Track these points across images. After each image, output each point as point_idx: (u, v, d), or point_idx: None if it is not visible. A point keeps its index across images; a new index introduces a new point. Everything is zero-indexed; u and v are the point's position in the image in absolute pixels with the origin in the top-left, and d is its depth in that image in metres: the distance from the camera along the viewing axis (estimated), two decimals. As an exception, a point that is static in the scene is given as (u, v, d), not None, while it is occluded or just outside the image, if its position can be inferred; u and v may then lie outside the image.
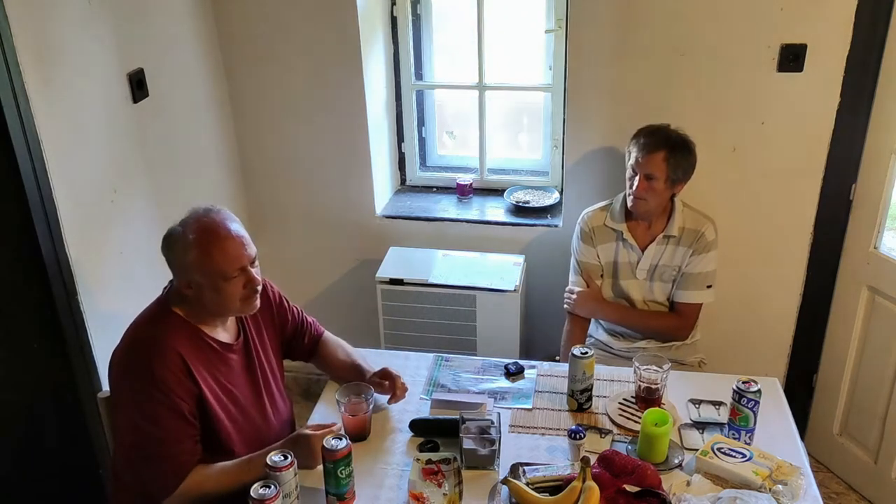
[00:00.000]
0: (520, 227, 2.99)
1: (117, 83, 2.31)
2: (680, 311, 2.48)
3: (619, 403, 2.05)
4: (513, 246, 2.98)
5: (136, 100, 2.38)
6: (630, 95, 2.68)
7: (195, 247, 1.69)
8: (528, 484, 1.72)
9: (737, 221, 2.74)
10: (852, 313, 2.69)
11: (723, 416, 1.97)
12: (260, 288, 1.80)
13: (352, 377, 2.03)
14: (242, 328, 1.90)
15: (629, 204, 2.41)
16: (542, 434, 1.97)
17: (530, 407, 2.07)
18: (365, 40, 2.82)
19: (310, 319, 2.13)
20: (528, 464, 1.81)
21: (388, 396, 2.02)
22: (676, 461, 1.83)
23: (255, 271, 1.77)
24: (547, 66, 3.00)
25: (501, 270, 2.79)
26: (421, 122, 3.24)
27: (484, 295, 2.71)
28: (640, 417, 1.90)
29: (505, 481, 1.73)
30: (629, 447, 1.88)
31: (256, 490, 1.57)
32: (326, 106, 2.93)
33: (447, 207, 3.11)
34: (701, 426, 1.97)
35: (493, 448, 1.82)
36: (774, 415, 1.99)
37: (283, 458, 1.64)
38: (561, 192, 3.02)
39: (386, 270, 2.82)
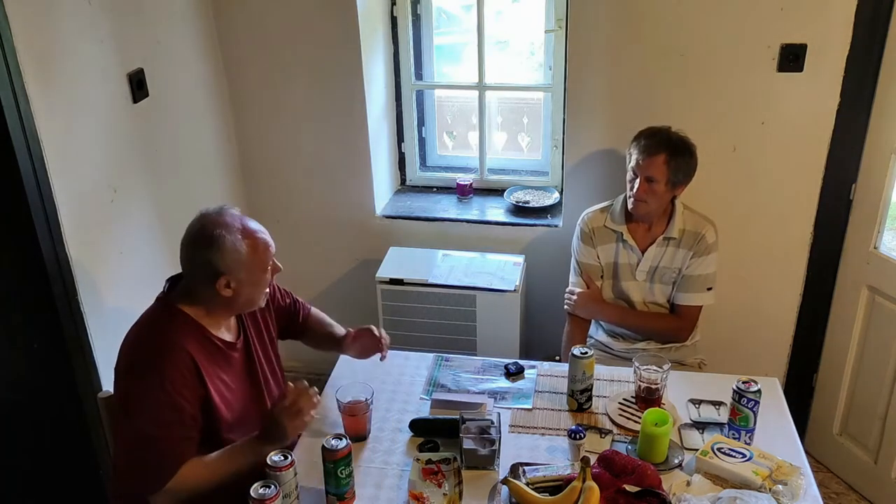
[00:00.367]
0: (520, 227, 2.99)
1: (117, 83, 2.31)
2: (680, 312, 2.48)
3: (619, 403, 2.05)
4: (513, 246, 2.98)
5: (136, 100, 2.38)
6: (630, 95, 2.68)
7: (247, 247, 1.76)
8: (528, 484, 1.72)
9: (737, 221, 2.74)
10: (852, 313, 2.69)
11: (723, 416, 1.97)
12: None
13: (331, 347, 2.13)
14: (242, 327, 1.91)
15: (630, 206, 2.40)
16: (542, 434, 1.97)
17: (530, 407, 2.07)
18: (365, 40, 2.82)
19: (299, 299, 2.18)
20: (528, 464, 1.81)
21: (379, 356, 2.07)
22: (676, 461, 1.83)
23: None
24: (547, 66, 3.00)
25: (501, 270, 2.79)
26: (421, 122, 3.24)
27: (484, 295, 2.71)
28: (640, 417, 1.90)
29: (505, 481, 1.73)
30: (629, 447, 1.88)
31: (256, 490, 1.57)
32: (326, 106, 2.93)
33: (447, 207, 3.11)
34: (701, 426, 1.97)
35: (493, 448, 1.82)
36: (774, 415, 1.99)
37: (283, 458, 1.64)
38: (561, 193, 3.02)
39: (386, 270, 2.82)
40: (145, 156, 2.46)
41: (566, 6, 2.68)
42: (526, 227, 2.98)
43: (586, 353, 2.00)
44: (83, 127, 2.17)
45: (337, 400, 1.93)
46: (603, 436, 1.94)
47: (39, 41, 2.00)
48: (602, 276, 2.53)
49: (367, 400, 1.93)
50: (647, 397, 2.00)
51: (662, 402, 2.02)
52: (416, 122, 3.21)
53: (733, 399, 1.87)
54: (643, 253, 2.45)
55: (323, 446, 1.68)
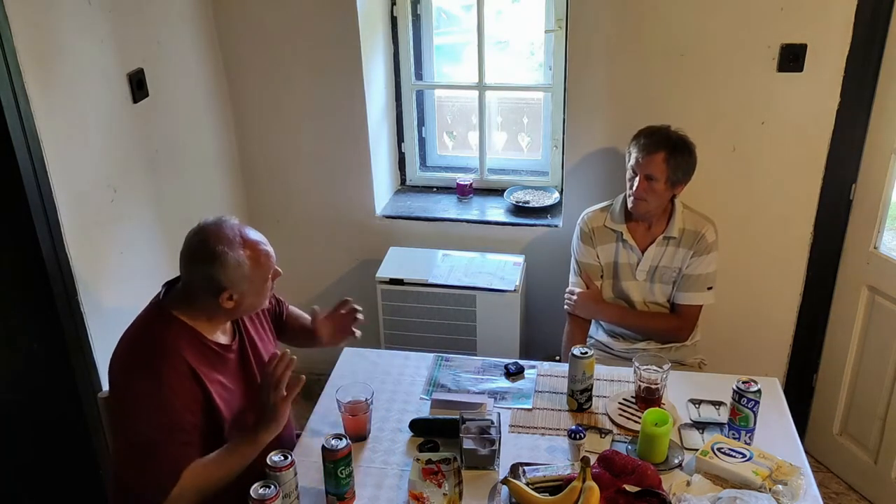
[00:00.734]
0: (520, 227, 2.99)
1: (117, 83, 2.31)
2: (680, 312, 2.48)
3: (619, 403, 2.05)
4: (513, 246, 2.98)
5: (136, 100, 2.38)
6: (630, 95, 2.68)
7: (250, 261, 1.75)
8: (528, 484, 1.72)
9: (737, 221, 2.74)
10: (852, 313, 2.69)
11: (723, 416, 1.97)
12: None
13: (304, 340, 2.13)
14: (237, 329, 1.91)
15: (629, 205, 2.41)
16: (542, 434, 1.97)
17: (530, 407, 2.07)
18: (365, 40, 2.82)
19: (280, 299, 2.18)
20: (528, 464, 1.81)
21: (355, 332, 2.09)
22: (676, 461, 1.83)
23: None
24: (547, 66, 3.00)
25: (501, 270, 2.79)
26: (421, 122, 3.24)
27: (484, 295, 2.71)
28: (640, 417, 1.90)
29: (505, 481, 1.73)
30: (629, 447, 1.88)
31: (256, 490, 1.57)
32: (326, 106, 2.93)
33: (447, 207, 3.11)
34: (701, 426, 1.97)
35: (493, 448, 1.82)
36: (774, 415, 1.99)
37: (283, 458, 1.64)
38: (561, 192, 3.02)
39: (386, 270, 2.82)
40: (145, 156, 2.46)
41: (566, 6, 2.68)
42: (526, 227, 2.98)
43: (586, 353, 2.00)
44: (83, 127, 2.17)
45: (337, 400, 1.93)
46: (603, 436, 1.94)
47: (39, 41, 2.00)
48: (602, 276, 2.53)
49: (367, 400, 1.93)
50: (647, 397, 2.00)
51: (662, 402, 2.02)
52: (416, 122, 3.21)
53: (733, 399, 1.87)
54: (643, 252, 2.45)
55: (323, 446, 1.68)
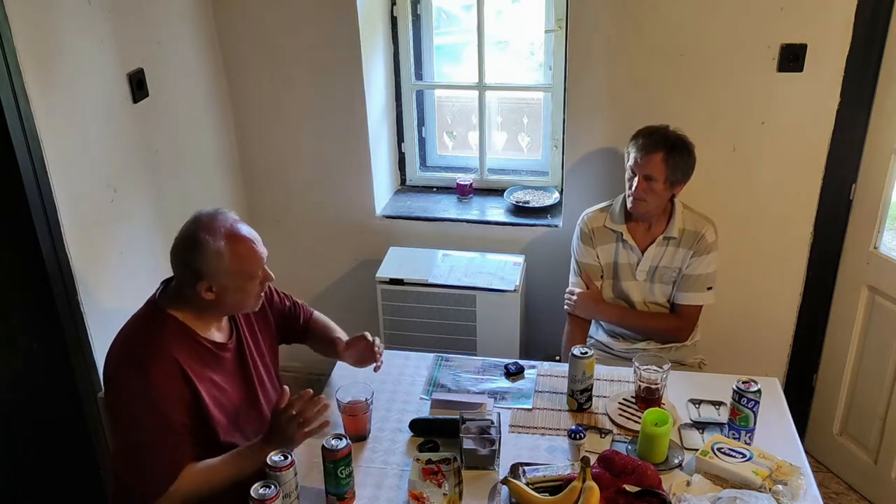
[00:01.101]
0: (520, 227, 2.99)
1: (117, 83, 2.31)
2: (680, 312, 2.48)
3: (619, 403, 2.05)
4: (513, 246, 2.98)
5: (136, 100, 2.38)
6: (630, 95, 2.68)
7: (228, 252, 1.73)
8: (528, 484, 1.72)
9: (737, 221, 2.74)
10: (852, 313, 2.69)
11: (723, 416, 1.97)
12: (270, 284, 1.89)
13: (331, 354, 2.09)
14: (235, 327, 1.91)
15: (629, 205, 2.41)
16: (542, 434, 1.97)
17: (530, 407, 2.07)
18: (365, 40, 2.82)
19: (300, 302, 2.15)
20: (528, 464, 1.81)
21: (373, 366, 2.05)
22: (676, 461, 1.83)
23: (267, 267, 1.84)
24: (547, 66, 3.00)
25: (501, 270, 2.79)
26: (421, 122, 3.24)
27: (484, 295, 2.71)
28: (640, 417, 1.90)
29: (505, 481, 1.73)
30: (629, 447, 1.88)
31: (256, 490, 1.57)
32: (326, 106, 2.93)
33: (447, 207, 3.11)
34: (701, 426, 1.97)
35: (493, 448, 1.82)
36: (774, 415, 1.99)
37: (283, 458, 1.64)
38: (561, 192, 3.02)
39: (386, 270, 2.82)
40: (145, 156, 2.46)
41: (566, 6, 2.68)
42: (526, 227, 2.98)
43: (586, 353, 2.00)
44: (83, 127, 2.17)
45: (337, 400, 1.93)
46: (603, 436, 1.94)
47: (39, 41, 2.00)
48: (602, 276, 2.53)
49: (367, 400, 1.93)
50: (647, 397, 2.00)
51: (662, 402, 2.02)
52: (416, 122, 3.21)
53: (733, 399, 1.87)
54: (643, 252, 2.45)
55: (323, 446, 1.68)
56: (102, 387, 2.15)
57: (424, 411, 2.04)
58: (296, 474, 1.67)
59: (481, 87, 3.07)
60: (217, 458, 1.76)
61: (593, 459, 1.74)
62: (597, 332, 2.61)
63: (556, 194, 3.07)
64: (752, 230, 2.78)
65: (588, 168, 2.81)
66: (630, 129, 2.43)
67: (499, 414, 1.90)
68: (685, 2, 2.52)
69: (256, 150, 3.06)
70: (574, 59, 2.68)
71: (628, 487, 1.67)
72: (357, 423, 1.93)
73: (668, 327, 2.50)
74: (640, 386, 2.01)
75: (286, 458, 1.64)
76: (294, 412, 1.71)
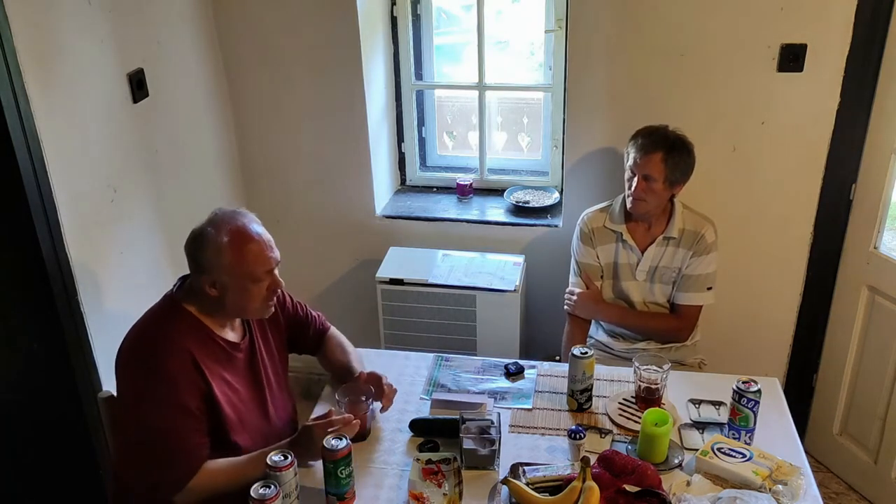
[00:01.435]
0: (520, 227, 2.98)
1: (117, 83, 2.31)
2: (680, 312, 2.48)
3: (619, 403, 2.05)
4: (513, 246, 2.98)
5: (136, 100, 2.38)
6: (630, 95, 2.68)
7: (229, 249, 1.72)
8: (528, 484, 1.72)
9: (737, 221, 2.74)
10: (852, 313, 2.69)
11: (723, 416, 1.97)
12: (280, 293, 1.85)
13: (344, 377, 2.04)
14: (248, 328, 1.91)
15: (628, 205, 2.41)
16: (542, 434, 1.97)
17: (530, 407, 2.07)
18: (365, 40, 2.82)
19: (315, 314, 2.13)
20: (528, 464, 1.81)
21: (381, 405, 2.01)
22: (676, 461, 1.83)
23: (277, 274, 1.81)
24: (547, 66, 3.00)
25: (501, 270, 2.79)
26: (421, 122, 3.24)
27: (484, 295, 2.71)
28: (640, 417, 1.90)
29: (505, 481, 1.73)
30: (629, 447, 1.88)
31: (256, 490, 1.57)
32: (326, 106, 2.93)
33: (447, 207, 3.11)
34: (701, 426, 1.97)
35: (493, 448, 1.82)
36: (774, 415, 1.99)
37: (283, 457, 1.64)
38: (561, 192, 3.02)
39: (386, 270, 2.82)
40: (145, 156, 2.46)
41: (566, 6, 2.68)
42: (526, 227, 2.98)
43: (586, 353, 2.00)
44: (83, 127, 2.17)
45: (337, 400, 1.93)
46: (603, 436, 1.94)
47: (39, 41, 2.00)
48: (602, 277, 2.53)
49: (367, 400, 1.93)
50: (647, 397, 2.00)
51: (662, 402, 2.02)
52: (416, 122, 3.21)
53: (733, 399, 1.87)
54: (643, 253, 2.45)
55: (323, 446, 1.68)
56: (103, 387, 2.17)
57: (424, 411, 2.04)
58: (296, 474, 1.66)
59: (481, 87, 3.07)
60: (241, 457, 1.76)
61: (593, 459, 1.74)
62: (597, 332, 2.61)
63: (556, 194, 3.07)
64: (752, 230, 2.78)
65: (588, 168, 2.81)
66: (630, 129, 2.43)
67: (499, 414, 1.90)
68: (685, 2, 2.52)
69: (256, 150, 3.06)
70: (574, 59, 2.68)
71: (628, 487, 1.67)
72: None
73: (668, 327, 2.50)
74: (640, 386, 2.01)
75: (286, 458, 1.64)
76: (331, 429, 1.71)
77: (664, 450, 1.83)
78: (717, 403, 2.02)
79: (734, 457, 1.77)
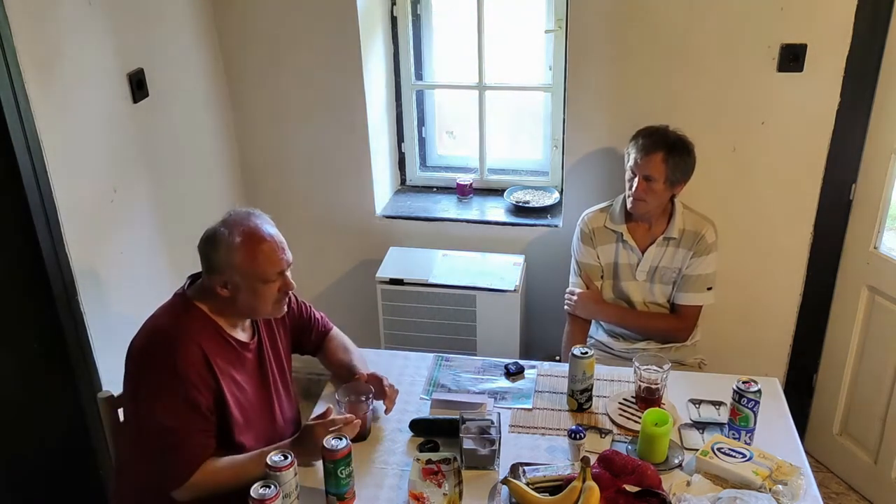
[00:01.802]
0: (520, 227, 2.98)
1: (117, 83, 2.31)
2: (680, 312, 2.48)
3: (619, 403, 2.05)
4: (513, 246, 2.98)
5: (136, 100, 2.38)
6: (630, 95, 2.68)
7: (241, 249, 1.73)
8: (528, 484, 1.72)
9: (737, 221, 2.74)
10: (852, 313, 2.69)
11: (723, 416, 1.97)
12: (291, 292, 1.85)
13: (346, 378, 2.03)
14: (256, 328, 1.91)
15: (629, 205, 2.41)
16: (542, 434, 1.97)
17: (530, 407, 2.07)
18: (365, 40, 2.82)
19: (318, 315, 2.14)
20: (528, 464, 1.81)
21: (384, 407, 2.01)
22: (676, 461, 1.83)
23: (290, 276, 1.82)
24: (547, 66, 3.00)
25: (501, 270, 2.79)
26: (421, 122, 3.24)
27: (484, 295, 2.71)
28: (640, 417, 1.90)
29: (505, 481, 1.73)
30: (629, 447, 1.88)
31: (256, 490, 1.57)
32: (326, 106, 2.93)
33: (447, 207, 3.11)
34: (701, 426, 1.97)
35: (493, 448, 1.82)
36: (774, 415, 1.99)
37: (283, 458, 1.64)
38: (561, 192, 3.02)
39: (386, 270, 2.82)
40: (145, 156, 2.46)
41: (566, 6, 2.68)
42: (526, 227, 2.98)
43: (586, 353, 2.00)
44: (83, 127, 2.17)
45: (337, 400, 1.93)
46: (603, 436, 1.94)
47: (39, 41, 2.00)
48: (602, 277, 2.53)
49: (367, 400, 1.93)
50: (647, 397, 2.00)
51: (662, 402, 2.02)
52: (416, 122, 3.21)
53: (733, 399, 1.87)
54: (643, 253, 2.45)
55: (323, 446, 1.68)
56: (103, 387, 2.17)
57: (424, 411, 2.04)
58: (296, 474, 1.66)
59: (481, 87, 3.07)
60: (243, 455, 1.76)
61: (593, 459, 1.74)
62: (597, 332, 2.61)
63: (556, 194, 3.07)
64: (752, 230, 2.78)
65: (588, 168, 2.81)
66: (630, 129, 2.43)
67: (499, 414, 1.90)
68: (685, 2, 2.52)
69: (256, 150, 3.06)
70: (574, 59, 2.68)
71: (628, 487, 1.67)
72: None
73: (668, 327, 2.50)
74: (640, 386, 2.01)
75: (286, 458, 1.64)
76: (334, 428, 1.72)
77: (664, 450, 1.83)
78: (717, 403, 2.02)
79: (734, 457, 1.77)
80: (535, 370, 2.21)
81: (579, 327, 2.54)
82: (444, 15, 3.11)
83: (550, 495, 1.69)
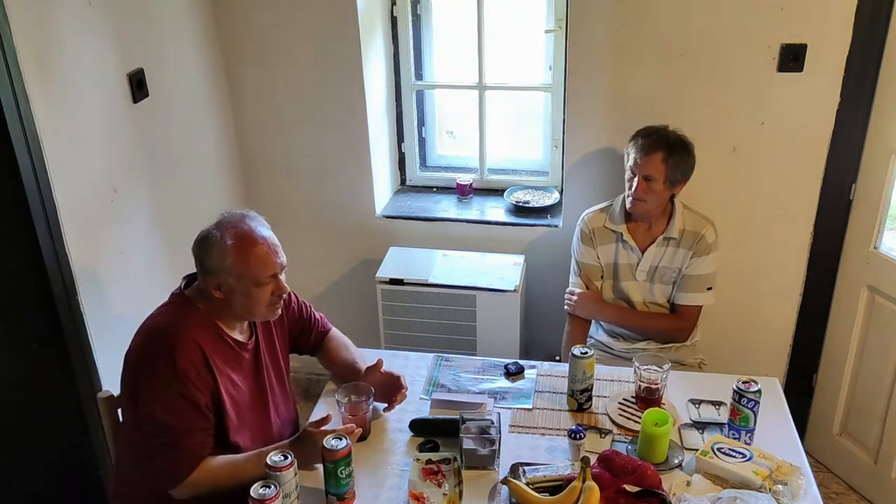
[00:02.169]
0: (520, 227, 2.98)
1: (117, 83, 2.31)
2: (680, 312, 2.48)
3: (619, 403, 2.05)
4: (513, 246, 2.98)
5: (136, 100, 2.38)
6: (630, 95, 2.68)
7: (233, 252, 1.72)
8: (528, 484, 1.72)
9: (737, 221, 2.74)
10: (852, 313, 2.69)
11: (723, 416, 1.97)
12: (286, 296, 1.85)
13: (349, 377, 2.03)
14: (253, 329, 1.91)
15: (628, 205, 2.41)
16: (542, 434, 1.97)
17: (530, 407, 2.07)
18: (365, 40, 2.82)
19: (318, 315, 2.13)
20: (528, 464, 1.81)
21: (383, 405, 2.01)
22: (676, 461, 1.83)
23: (284, 279, 1.81)
24: (547, 66, 3.00)
25: (501, 270, 2.79)
26: (421, 122, 3.24)
27: (484, 295, 2.71)
28: (640, 417, 1.90)
29: (505, 481, 1.73)
30: (629, 447, 1.88)
31: (256, 490, 1.57)
32: (326, 106, 2.93)
33: (447, 207, 3.11)
34: (701, 426, 1.97)
35: (493, 448, 1.82)
36: (774, 415, 1.99)
37: (283, 458, 1.64)
38: (561, 192, 3.02)
39: (386, 270, 2.82)
40: (145, 156, 2.46)
41: (566, 6, 2.68)
42: (526, 227, 2.98)
43: (586, 353, 2.00)
44: (83, 127, 2.17)
45: (337, 400, 1.93)
46: (603, 436, 1.94)
47: (39, 41, 2.00)
48: (602, 277, 2.53)
49: (366, 400, 1.93)
50: (647, 397, 2.00)
51: (662, 402, 2.02)
52: (416, 122, 3.21)
53: (733, 399, 1.87)
54: (643, 253, 2.45)
55: (323, 446, 1.68)
56: (103, 387, 2.17)
57: (424, 411, 2.04)
58: (296, 474, 1.66)
59: (481, 87, 3.07)
60: (241, 454, 1.77)
61: (593, 459, 1.74)
62: (597, 332, 2.61)
63: (556, 194, 3.07)
64: (752, 230, 2.78)
65: (588, 168, 2.81)
66: (630, 129, 2.43)
67: (499, 414, 1.90)
68: (685, 2, 2.52)
69: (256, 149, 3.06)
70: (574, 59, 2.68)
71: (628, 487, 1.67)
72: (357, 423, 1.92)
73: (668, 327, 2.50)
74: (640, 386, 2.01)
75: (286, 458, 1.64)
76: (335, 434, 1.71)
77: (664, 450, 1.83)
78: (717, 403, 2.02)
79: (734, 457, 1.77)
80: (535, 370, 2.21)
81: (579, 327, 2.54)
82: (444, 15, 3.11)
83: (550, 495, 1.69)
